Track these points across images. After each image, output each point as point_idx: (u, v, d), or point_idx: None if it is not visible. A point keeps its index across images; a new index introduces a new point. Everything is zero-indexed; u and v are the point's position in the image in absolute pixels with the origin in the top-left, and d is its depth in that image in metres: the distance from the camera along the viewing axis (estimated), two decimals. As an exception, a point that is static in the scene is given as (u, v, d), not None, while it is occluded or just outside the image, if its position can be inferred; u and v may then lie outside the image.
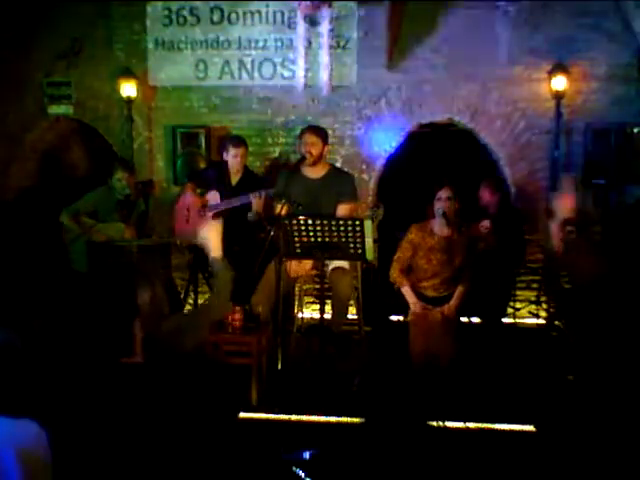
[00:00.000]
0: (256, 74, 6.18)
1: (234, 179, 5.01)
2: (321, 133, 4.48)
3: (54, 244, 5.09)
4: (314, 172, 4.48)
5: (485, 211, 5.13)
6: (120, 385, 1.62)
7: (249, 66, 6.18)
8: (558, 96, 5.73)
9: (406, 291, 4.30)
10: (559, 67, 5.70)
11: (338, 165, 5.65)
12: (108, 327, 1.64)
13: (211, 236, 2.53)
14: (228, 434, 2.72)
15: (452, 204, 4.22)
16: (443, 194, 4.23)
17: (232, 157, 4.95)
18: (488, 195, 5.21)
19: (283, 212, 4.15)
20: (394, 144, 6.14)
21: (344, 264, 4.31)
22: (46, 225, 5.48)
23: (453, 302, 4.24)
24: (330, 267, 4.33)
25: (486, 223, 4.81)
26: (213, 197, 4.96)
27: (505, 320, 5.40)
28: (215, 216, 4.91)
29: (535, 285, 5.94)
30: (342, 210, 4.39)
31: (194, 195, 5.01)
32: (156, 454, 1.59)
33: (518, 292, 5.75)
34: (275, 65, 6.15)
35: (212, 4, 6.17)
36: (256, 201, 4.68)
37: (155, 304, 2.30)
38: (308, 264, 4.40)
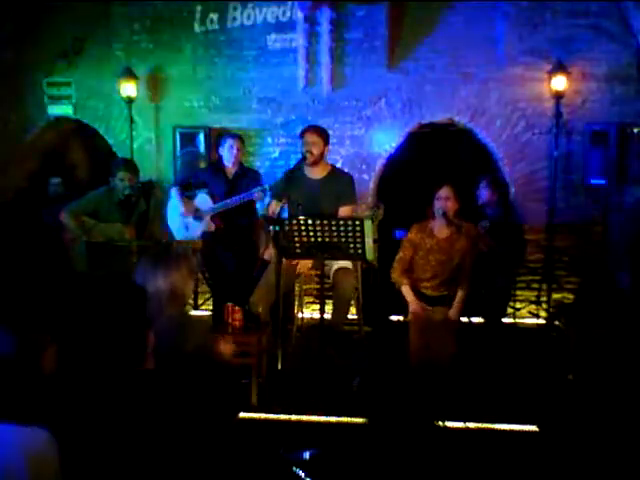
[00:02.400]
0: (256, 74, 6.19)
1: (229, 173, 5.03)
2: (322, 133, 4.47)
3: (54, 244, 5.08)
4: (316, 173, 4.47)
5: (484, 211, 5.12)
6: (126, 389, 1.62)
7: (249, 66, 6.19)
8: (558, 96, 5.73)
9: (406, 290, 4.30)
10: (559, 67, 5.71)
11: (338, 165, 5.65)
12: (120, 333, 1.65)
13: None
14: (228, 434, 2.71)
15: (452, 204, 4.22)
16: (443, 194, 4.23)
17: (228, 149, 4.96)
18: (487, 194, 5.21)
19: (276, 209, 4.18)
20: (394, 144, 6.14)
21: (347, 264, 4.30)
22: (46, 225, 5.49)
23: (454, 309, 4.24)
24: (334, 267, 4.32)
25: (484, 223, 4.80)
26: (203, 201, 4.96)
27: (505, 320, 5.40)
28: (214, 217, 4.91)
29: (535, 285, 5.94)
30: (342, 212, 4.39)
31: (183, 201, 5.00)
32: (159, 455, 1.59)
33: (518, 292, 5.76)
34: (275, 65, 6.15)
35: (212, 4, 6.18)
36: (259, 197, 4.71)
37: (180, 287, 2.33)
38: (310, 261, 4.40)
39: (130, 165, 4.93)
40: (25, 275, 5.05)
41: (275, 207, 4.42)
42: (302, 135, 4.48)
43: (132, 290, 1.80)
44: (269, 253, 4.40)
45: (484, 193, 5.21)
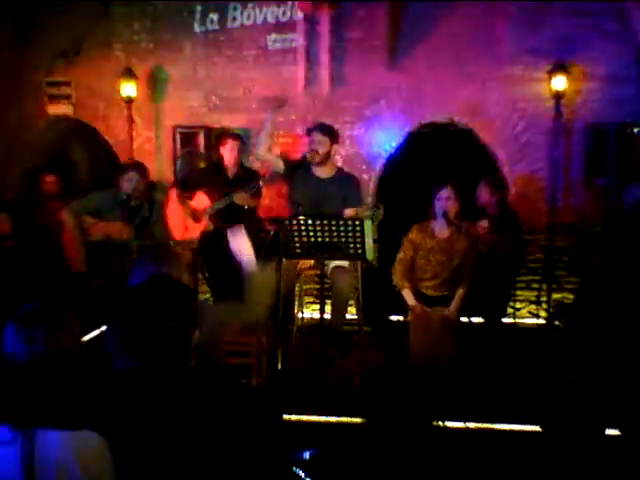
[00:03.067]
0: (256, 74, 6.19)
1: (230, 173, 5.03)
2: (328, 132, 4.43)
3: (53, 244, 5.08)
4: (323, 172, 4.46)
5: (483, 211, 5.12)
6: (176, 387, 1.63)
7: (249, 66, 6.19)
8: (558, 96, 5.73)
9: (406, 293, 4.30)
10: (559, 67, 5.70)
11: (338, 165, 5.64)
12: (169, 331, 1.65)
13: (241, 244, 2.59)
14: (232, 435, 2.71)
15: (452, 204, 4.22)
16: (443, 194, 4.23)
17: (230, 150, 4.96)
18: (486, 195, 5.20)
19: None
20: (394, 144, 6.14)
21: (344, 263, 4.30)
22: (39, 226, 5.49)
23: (453, 306, 4.24)
24: (330, 266, 4.32)
25: (484, 223, 4.80)
26: (200, 200, 4.96)
27: (505, 320, 5.39)
28: (211, 218, 4.91)
29: (535, 285, 5.94)
30: (348, 214, 4.37)
31: (180, 202, 4.99)
32: (157, 455, 1.59)
33: (518, 292, 5.75)
34: (275, 65, 6.15)
35: (212, 4, 6.18)
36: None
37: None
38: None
39: (140, 167, 4.90)
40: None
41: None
42: (309, 133, 4.45)
43: (179, 288, 1.80)
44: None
45: (483, 194, 5.21)
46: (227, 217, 4.93)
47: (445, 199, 4.21)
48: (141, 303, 1.69)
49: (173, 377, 1.65)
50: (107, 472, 1.54)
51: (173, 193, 5.05)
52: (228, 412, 1.68)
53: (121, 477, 1.55)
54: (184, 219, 4.98)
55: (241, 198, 4.74)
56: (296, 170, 4.47)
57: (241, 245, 2.67)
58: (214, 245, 5.00)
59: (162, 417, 1.60)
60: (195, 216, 4.93)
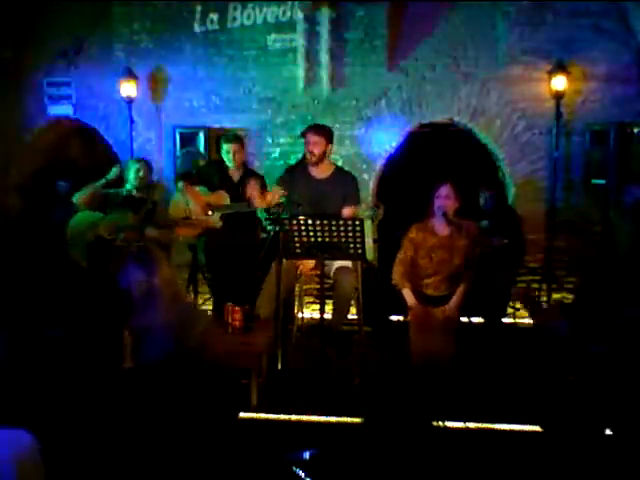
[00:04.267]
0: (256, 74, 6.19)
1: (235, 176, 5.00)
2: (324, 132, 4.42)
3: (54, 243, 5.08)
4: (320, 172, 4.45)
5: (483, 212, 5.15)
6: (116, 389, 1.61)
7: (249, 66, 6.19)
8: (558, 96, 5.73)
9: (406, 293, 4.30)
10: (559, 67, 5.71)
11: (338, 164, 5.64)
12: (101, 333, 1.64)
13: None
14: (228, 434, 2.71)
15: (452, 202, 4.22)
16: (443, 192, 4.23)
17: (225, 153, 4.93)
18: (486, 200, 5.28)
19: (275, 200, 4.15)
20: (394, 144, 6.14)
21: (348, 263, 4.29)
22: (54, 224, 5.49)
23: (454, 301, 4.24)
24: (334, 266, 4.31)
25: (484, 223, 4.82)
26: (221, 197, 4.88)
27: (505, 320, 5.40)
28: (221, 217, 4.88)
29: (535, 285, 5.94)
30: (346, 213, 4.36)
31: (190, 192, 4.92)
32: (156, 455, 1.59)
33: (518, 292, 5.76)
34: (275, 65, 6.15)
35: (212, 4, 6.18)
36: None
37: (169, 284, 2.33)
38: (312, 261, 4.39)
39: (147, 162, 5.01)
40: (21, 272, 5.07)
41: (276, 192, 4.35)
42: (304, 134, 4.44)
43: (109, 287, 1.79)
44: None
45: (484, 200, 5.27)
46: (231, 216, 4.90)
47: (444, 197, 4.21)
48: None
49: (103, 378, 1.64)
50: (37, 472, 1.52)
51: (186, 186, 4.93)
52: (176, 413, 1.67)
53: (52, 476, 1.53)
54: (191, 212, 4.90)
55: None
56: (294, 171, 4.46)
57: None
58: (219, 243, 4.98)
59: (95, 419, 1.59)
60: (207, 210, 4.84)
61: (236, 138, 5.05)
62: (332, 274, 4.31)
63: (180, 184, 4.96)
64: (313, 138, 4.36)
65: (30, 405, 1.60)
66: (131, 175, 4.86)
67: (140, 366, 1.72)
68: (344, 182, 4.45)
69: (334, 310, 4.39)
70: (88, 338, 1.58)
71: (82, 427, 1.56)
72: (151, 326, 2.19)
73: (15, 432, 1.51)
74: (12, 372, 1.63)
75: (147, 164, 4.99)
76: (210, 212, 4.80)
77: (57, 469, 1.53)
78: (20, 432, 1.52)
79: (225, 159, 4.96)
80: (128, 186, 4.87)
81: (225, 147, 4.93)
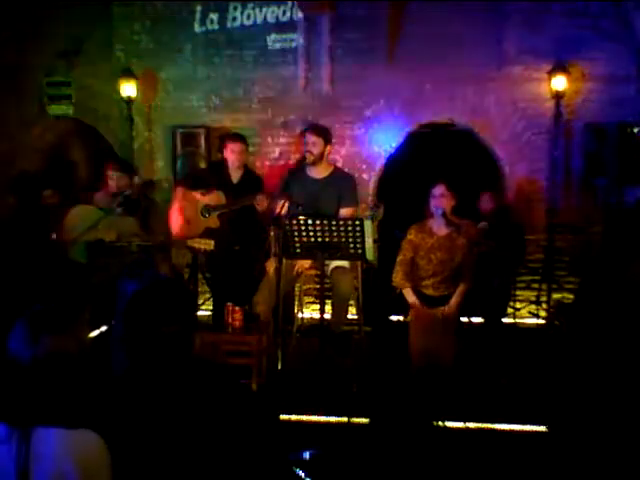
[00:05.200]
0: (256, 74, 6.20)
1: (235, 177, 4.99)
2: (322, 132, 4.43)
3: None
4: (317, 172, 4.45)
5: (482, 213, 5.17)
6: (174, 392, 1.63)
7: (249, 66, 6.20)
8: (558, 96, 5.74)
9: (407, 292, 4.30)
10: (559, 67, 5.71)
11: (339, 165, 5.65)
12: (171, 335, 1.66)
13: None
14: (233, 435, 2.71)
15: (447, 201, 4.22)
16: (437, 191, 4.23)
17: (230, 153, 4.90)
18: (486, 206, 5.29)
19: (283, 211, 4.12)
20: (394, 144, 6.15)
21: (344, 263, 4.30)
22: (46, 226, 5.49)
23: (454, 300, 4.24)
24: (331, 266, 4.32)
25: (484, 225, 4.82)
26: (218, 198, 4.89)
27: (505, 320, 5.40)
28: (220, 217, 4.88)
29: (535, 285, 5.94)
30: (343, 214, 4.36)
31: (186, 197, 4.94)
32: (156, 455, 1.59)
33: (518, 292, 5.75)
34: (275, 65, 6.15)
35: (212, 4, 6.18)
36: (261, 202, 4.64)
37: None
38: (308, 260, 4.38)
39: (125, 164, 4.93)
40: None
41: (281, 207, 4.34)
42: (302, 134, 4.44)
43: (183, 293, 1.81)
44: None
45: (483, 205, 5.29)
46: (232, 216, 4.89)
47: (439, 196, 4.22)
48: (143, 306, 1.69)
49: (172, 380, 1.65)
50: (104, 473, 1.53)
51: (179, 191, 4.95)
52: (226, 413, 1.68)
53: (118, 478, 1.55)
54: (189, 216, 4.89)
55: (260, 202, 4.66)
56: (294, 172, 4.45)
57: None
58: (220, 243, 4.97)
59: (160, 419, 1.60)
60: (205, 212, 4.84)
61: (242, 138, 5.03)
62: (329, 274, 4.31)
63: (177, 190, 5.00)
64: (311, 138, 4.36)
65: (95, 405, 1.62)
66: (110, 182, 4.78)
67: (139, 367, 1.73)
68: (340, 182, 4.44)
69: (333, 311, 4.39)
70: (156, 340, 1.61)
71: (146, 428, 1.57)
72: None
73: (79, 432, 1.52)
74: (77, 370, 1.65)
75: (122, 169, 4.85)
76: (207, 214, 4.80)
77: (126, 469, 1.55)
78: (84, 432, 1.52)
79: (228, 159, 4.94)
80: (122, 194, 4.81)
81: (230, 146, 4.91)
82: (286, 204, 4.09)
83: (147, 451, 1.57)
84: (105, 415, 1.59)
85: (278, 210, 4.15)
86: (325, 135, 4.42)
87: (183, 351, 1.70)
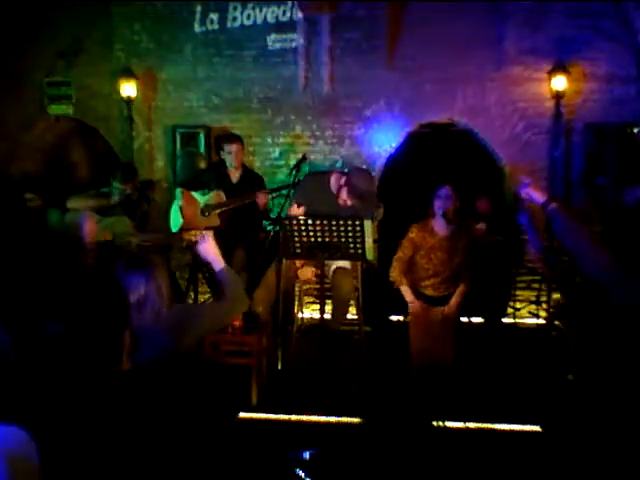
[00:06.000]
0: (256, 74, 6.20)
1: (234, 177, 5.00)
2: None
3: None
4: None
5: (481, 215, 5.18)
6: (114, 389, 1.60)
7: (249, 66, 6.20)
8: (558, 96, 5.74)
9: (405, 290, 4.30)
10: (559, 67, 5.71)
11: (338, 165, 5.68)
12: (100, 333, 1.62)
13: (211, 250, 2.56)
14: (228, 434, 2.71)
15: (452, 203, 4.23)
16: (443, 193, 4.24)
17: (227, 154, 4.93)
18: (484, 207, 5.30)
19: (300, 212, 4.09)
20: (394, 144, 6.14)
21: (346, 264, 4.30)
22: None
23: (454, 300, 4.24)
24: (332, 267, 4.32)
25: (482, 225, 4.83)
26: (218, 198, 4.90)
27: (505, 320, 5.40)
28: (220, 215, 4.88)
29: (535, 285, 5.94)
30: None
31: (187, 197, 4.94)
32: (155, 456, 1.58)
33: (518, 292, 5.75)
34: (275, 65, 6.15)
35: (212, 4, 6.18)
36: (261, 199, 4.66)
37: (160, 294, 2.32)
38: (312, 269, 4.36)
39: (127, 174, 4.84)
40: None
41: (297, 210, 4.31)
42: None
43: (111, 286, 1.75)
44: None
45: (480, 207, 5.29)
46: (231, 216, 4.90)
47: (445, 198, 4.22)
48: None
49: (104, 378, 1.61)
50: (32, 470, 1.49)
51: (179, 191, 4.94)
52: (173, 415, 1.65)
53: (48, 476, 1.51)
54: (189, 215, 4.89)
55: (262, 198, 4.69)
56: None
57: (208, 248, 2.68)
58: (220, 243, 4.96)
59: (92, 417, 1.57)
60: (206, 211, 4.84)
61: (237, 138, 5.05)
62: (330, 275, 4.31)
63: (178, 191, 4.99)
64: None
65: (28, 403, 1.58)
66: (114, 191, 4.75)
67: (138, 368, 1.71)
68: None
69: (333, 311, 4.39)
70: (88, 337, 1.57)
71: (80, 427, 1.54)
72: (148, 329, 2.20)
73: (8, 428, 1.49)
74: (13, 369, 1.62)
75: (126, 178, 4.71)
76: (207, 213, 4.80)
77: (55, 469, 1.52)
78: (14, 429, 1.49)
79: (226, 160, 4.96)
80: (115, 197, 4.77)
81: (226, 148, 4.93)
82: (301, 209, 4.07)
83: (76, 451, 1.53)
84: (33, 411, 1.56)
85: (294, 213, 4.13)
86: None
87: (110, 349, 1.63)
